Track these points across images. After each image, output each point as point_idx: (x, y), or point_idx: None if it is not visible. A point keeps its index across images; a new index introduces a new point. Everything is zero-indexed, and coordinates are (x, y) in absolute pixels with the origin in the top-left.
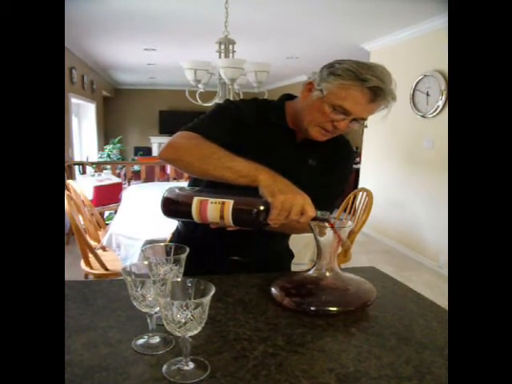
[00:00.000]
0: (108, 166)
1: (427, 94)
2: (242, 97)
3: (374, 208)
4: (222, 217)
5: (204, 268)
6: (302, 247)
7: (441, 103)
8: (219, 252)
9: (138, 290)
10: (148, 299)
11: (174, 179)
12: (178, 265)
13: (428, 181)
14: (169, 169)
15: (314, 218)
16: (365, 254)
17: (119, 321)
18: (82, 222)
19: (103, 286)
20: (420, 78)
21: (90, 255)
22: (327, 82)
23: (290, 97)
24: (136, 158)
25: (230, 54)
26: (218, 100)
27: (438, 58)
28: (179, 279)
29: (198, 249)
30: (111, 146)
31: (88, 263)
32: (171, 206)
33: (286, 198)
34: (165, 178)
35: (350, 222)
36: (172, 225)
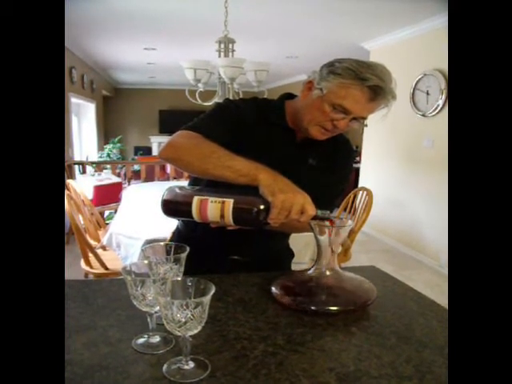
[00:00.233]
0: (108, 166)
1: (427, 93)
2: (241, 96)
3: (374, 207)
4: (222, 216)
5: (204, 267)
6: (302, 246)
7: (441, 102)
8: (219, 251)
9: (138, 289)
10: (148, 298)
11: (174, 178)
12: (178, 264)
13: (428, 180)
14: (169, 168)
15: (314, 217)
16: (365, 253)
17: (119, 320)
18: (82, 222)
19: (103, 286)
20: (420, 76)
21: (90, 255)
22: (327, 80)
23: (289, 96)
24: (136, 157)
25: (230, 54)
26: (217, 99)
27: (438, 56)
28: (179, 278)
29: (198, 248)
30: (111, 145)
31: (88, 262)
32: (171, 206)
33: (286, 197)
34: (165, 177)
35: (350, 221)
36: (172, 224)
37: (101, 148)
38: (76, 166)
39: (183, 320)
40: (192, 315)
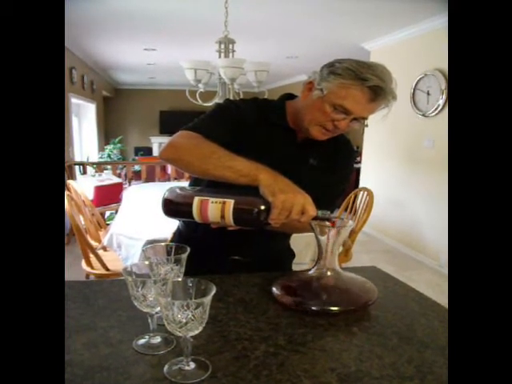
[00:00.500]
0: (108, 166)
1: (428, 93)
2: (242, 96)
3: (375, 207)
4: (222, 216)
5: (205, 268)
6: (303, 247)
7: (441, 102)
8: (220, 252)
9: (139, 289)
10: (149, 299)
11: (175, 179)
12: (179, 265)
13: (429, 180)
14: (169, 169)
15: (315, 218)
16: (366, 253)
17: (120, 321)
18: (82, 222)
19: (104, 286)
20: (420, 77)
21: (91, 255)
22: (327, 81)
23: (290, 96)
24: (136, 158)
25: (230, 54)
26: (218, 100)
27: (439, 57)
28: (180, 279)
29: (198, 248)
30: (112, 146)
31: (89, 263)
32: (172, 206)
33: (286, 198)
34: (165, 177)
35: (350, 222)
36: (173, 225)
37: (101, 148)
38: (76, 167)
39: (184, 321)
40: (193, 316)
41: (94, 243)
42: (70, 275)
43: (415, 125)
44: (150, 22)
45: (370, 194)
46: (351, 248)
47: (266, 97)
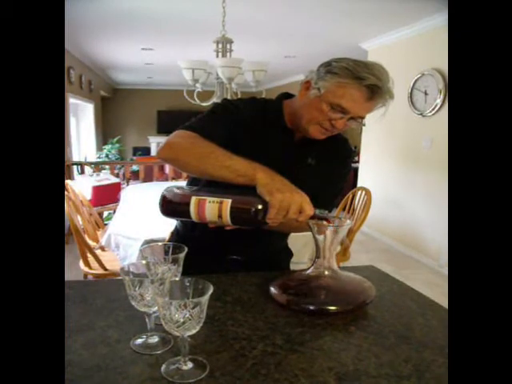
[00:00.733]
0: (106, 166)
1: (425, 93)
2: (239, 96)
3: (373, 207)
4: (220, 216)
5: (202, 267)
6: (301, 246)
7: (439, 102)
8: (218, 251)
9: (136, 289)
10: (146, 299)
11: (173, 179)
12: (176, 264)
13: (427, 179)
14: (167, 168)
15: (313, 217)
16: (364, 252)
17: (118, 320)
18: (80, 222)
19: (102, 286)
20: (418, 76)
21: (89, 255)
22: (324, 80)
23: (287, 96)
24: (134, 157)
25: (228, 54)
26: (215, 99)
27: (436, 56)
28: (177, 278)
29: (196, 248)
30: (110, 145)
31: (87, 263)
32: (170, 206)
33: (284, 197)
34: (163, 177)
35: (348, 221)
36: (171, 224)
37: (99, 148)
38: (74, 167)
39: (181, 320)
40: (190, 315)
41: (92, 243)
42: (68, 275)
43: (413, 124)
44: (147, 21)
45: (367, 193)
46: (349, 247)
47: (263, 96)
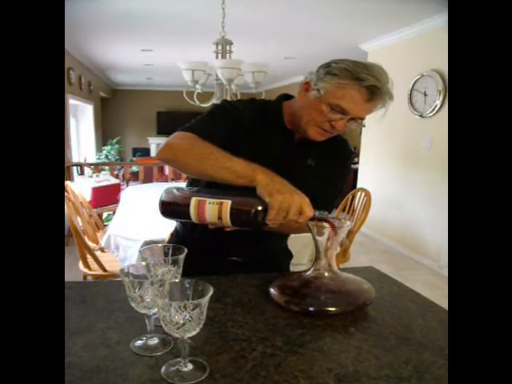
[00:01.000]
0: (106, 167)
1: (425, 94)
2: (239, 97)
3: (373, 208)
4: (220, 217)
5: (202, 268)
6: (300, 247)
7: (438, 103)
8: (218, 252)
9: (136, 291)
10: (146, 300)
11: (173, 180)
12: (176, 266)
13: (426, 180)
14: (167, 169)
15: (313, 218)
16: (364, 253)
17: (118, 322)
18: (80, 224)
19: (102, 287)
20: (417, 77)
21: (89, 256)
22: (324, 81)
23: (287, 97)
24: (134, 158)
25: (227, 55)
26: (215, 100)
27: (436, 57)
28: (177, 280)
29: (196, 249)
30: (109, 147)
31: (86, 265)
32: (169, 207)
33: (283, 198)
34: (163, 178)
35: (348, 222)
36: (171, 225)
37: (99, 149)
38: (74, 168)
39: (181, 322)
40: (190, 317)
41: (91, 244)
42: (67, 276)
43: (412, 125)
44: (147, 22)
45: (367, 194)
46: (349, 248)
47: (263, 97)
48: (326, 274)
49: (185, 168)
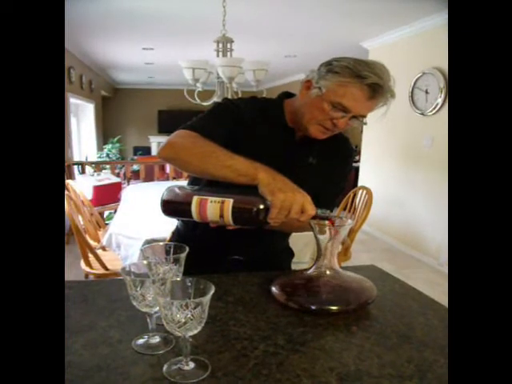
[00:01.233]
0: (107, 166)
1: (426, 92)
2: (240, 95)
3: (374, 206)
4: (221, 216)
5: (204, 267)
6: (302, 246)
7: (440, 101)
8: (219, 251)
9: (138, 289)
10: (147, 299)
11: (174, 178)
12: (178, 264)
13: (428, 178)
14: (168, 168)
15: (314, 217)
16: (365, 252)
17: (119, 321)
18: (81, 222)
19: (103, 286)
20: (419, 75)
21: (90, 255)
22: (325, 79)
23: (288, 95)
24: (135, 157)
25: (228, 53)
26: (216, 99)
27: (437, 55)
28: (179, 279)
29: (197, 248)
30: (110, 145)
31: (88, 263)
32: (171, 205)
33: (285, 197)
34: (164, 177)
35: (349, 221)
36: (172, 224)
37: (100, 148)
38: (75, 167)
39: (183, 320)
40: (192, 315)
41: (93, 243)
42: (69, 275)
43: (414, 123)
44: (148, 21)
45: (368, 192)
46: (350, 247)
47: (264, 96)
48: (328, 273)
49: (186, 166)
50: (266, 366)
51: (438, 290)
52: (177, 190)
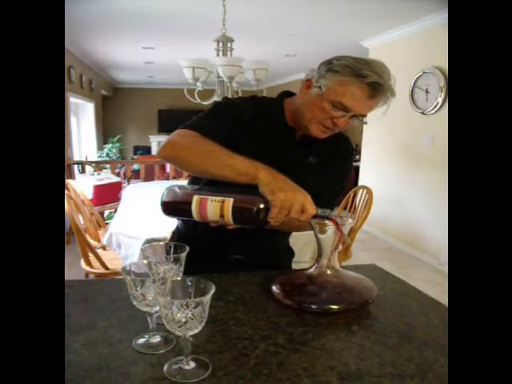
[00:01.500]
0: (107, 165)
1: (426, 91)
2: (240, 95)
3: (375, 205)
4: (221, 215)
5: (204, 266)
6: (302, 245)
7: (440, 100)
8: (220, 250)
9: (138, 289)
10: (148, 298)
11: (174, 178)
12: (178, 264)
13: (428, 178)
14: (168, 167)
15: (315, 216)
16: (365, 251)
17: (119, 320)
18: (81, 222)
19: (103, 286)
20: (419, 74)
21: (90, 254)
22: (326, 78)
23: (288, 94)
24: (135, 157)
25: (228, 52)
26: (216, 98)
27: (437, 54)
28: (179, 278)
29: (198, 247)
30: (110, 145)
31: (88, 262)
32: (171, 205)
33: (286, 196)
34: (164, 176)
35: (350, 220)
36: (172, 223)
37: (100, 148)
38: (75, 166)
39: (183, 320)
40: (192, 315)
41: (93, 242)
42: (69, 274)
43: (414, 123)
44: (148, 20)
45: (369, 192)
46: (351, 246)
47: (264, 95)
48: (328, 272)
49: (186, 166)
50: (267, 366)
51: (438, 290)
52: (177, 190)
